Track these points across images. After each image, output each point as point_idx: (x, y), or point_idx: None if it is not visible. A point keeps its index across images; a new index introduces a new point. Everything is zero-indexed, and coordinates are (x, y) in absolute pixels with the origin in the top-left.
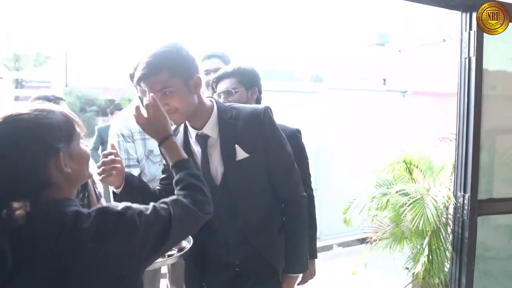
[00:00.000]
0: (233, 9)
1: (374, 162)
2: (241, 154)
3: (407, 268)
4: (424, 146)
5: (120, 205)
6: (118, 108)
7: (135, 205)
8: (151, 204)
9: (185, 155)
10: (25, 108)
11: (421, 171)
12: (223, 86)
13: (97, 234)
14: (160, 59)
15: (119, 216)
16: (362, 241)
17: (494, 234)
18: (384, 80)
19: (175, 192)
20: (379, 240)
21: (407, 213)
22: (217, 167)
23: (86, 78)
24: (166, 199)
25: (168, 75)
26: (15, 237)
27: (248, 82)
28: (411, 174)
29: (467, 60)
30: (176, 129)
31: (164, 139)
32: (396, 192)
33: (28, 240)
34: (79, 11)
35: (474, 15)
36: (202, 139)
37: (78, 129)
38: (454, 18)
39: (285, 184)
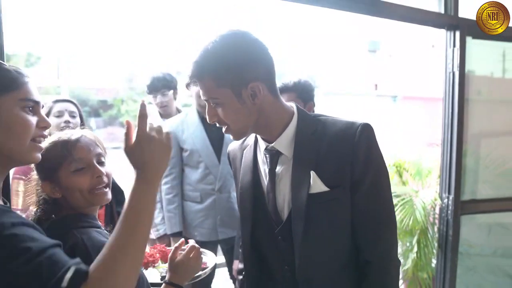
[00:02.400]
0: (229, 15)
1: None
2: (317, 185)
3: None
4: (413, 151)
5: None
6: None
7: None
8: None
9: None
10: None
11: (410, 174)
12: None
13: None
14: (203, 62)
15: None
16: None
17: (478, 232)
18: (376, 85)
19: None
20: None
21: (397, 214)
22: (285, 196)
23: (78, 78)
24: None
25: (212, 84)
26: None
27: (307, 97)
28: (401, 177)
29: (451, 74)
30: (245, 141)
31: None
32: None
33: None
34: (71, 10)
35: (458, 33)
36: (272, 156)
37: (77, 155)
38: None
39: (372, 240)
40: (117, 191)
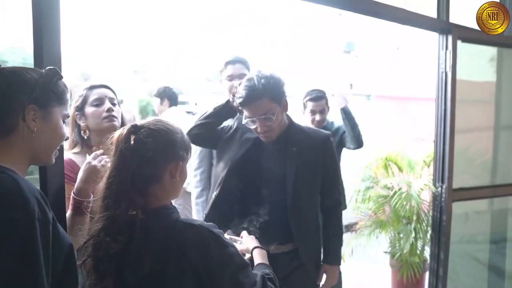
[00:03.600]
0: (207, 15)
1: (351, 157)
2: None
3: (386, 252)
4: (402, 145)
5: (230, 242)
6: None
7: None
8: (260, 276)
9: (267, 261)
10: (171, 122)
11: (400, 167)
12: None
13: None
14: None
15: (225, 247)
16: (347, 229)
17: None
18: (351, 85)
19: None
20: (364, 227)
21: (392, 203)
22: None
23: None
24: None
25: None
26: (132, 225)
27: (279, 96)
28: (386, 169)
29: (443, 73)
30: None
31: (257, 248)
32: (384, 186)
33: (143, 236)
34: (22, 4)
35: (450, 37)
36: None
37: (189, 153)
38: (406, 31)
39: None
40: None
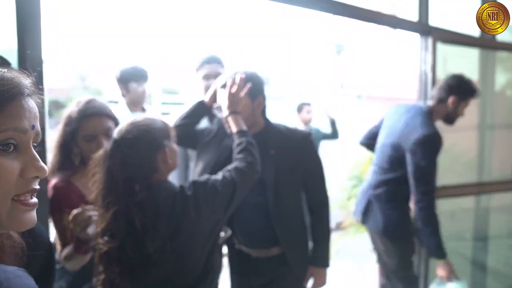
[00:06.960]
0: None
1: (338, 156)
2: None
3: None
4: None
5: (204, 176)
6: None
7: (213, 176)
8: (220, 173)
9: (245, 127)
10: (139, 117)
11: None
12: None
13: (195, 197)
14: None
15: (205, 184)
16: (334, 227)
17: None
18: (342, 85)
19: (234, 154)
20: (350, 226)
21: None
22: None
23: None
24: (229, 168)
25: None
26: (142, 206)
27: (253, 91)
28: None
29: (424, 74)
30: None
31: (233, 113)
32: None
33: (153, 207)
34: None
35: (430, 39)
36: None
37: (172, 133)
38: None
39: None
40: None
